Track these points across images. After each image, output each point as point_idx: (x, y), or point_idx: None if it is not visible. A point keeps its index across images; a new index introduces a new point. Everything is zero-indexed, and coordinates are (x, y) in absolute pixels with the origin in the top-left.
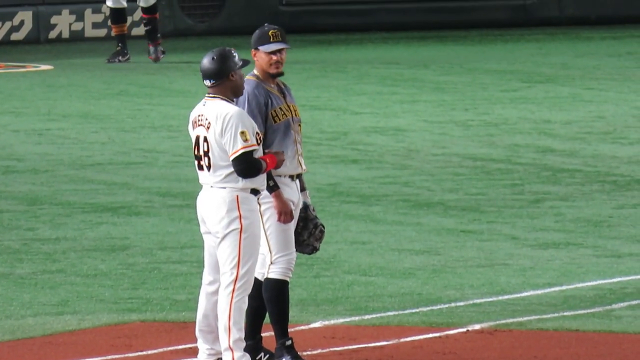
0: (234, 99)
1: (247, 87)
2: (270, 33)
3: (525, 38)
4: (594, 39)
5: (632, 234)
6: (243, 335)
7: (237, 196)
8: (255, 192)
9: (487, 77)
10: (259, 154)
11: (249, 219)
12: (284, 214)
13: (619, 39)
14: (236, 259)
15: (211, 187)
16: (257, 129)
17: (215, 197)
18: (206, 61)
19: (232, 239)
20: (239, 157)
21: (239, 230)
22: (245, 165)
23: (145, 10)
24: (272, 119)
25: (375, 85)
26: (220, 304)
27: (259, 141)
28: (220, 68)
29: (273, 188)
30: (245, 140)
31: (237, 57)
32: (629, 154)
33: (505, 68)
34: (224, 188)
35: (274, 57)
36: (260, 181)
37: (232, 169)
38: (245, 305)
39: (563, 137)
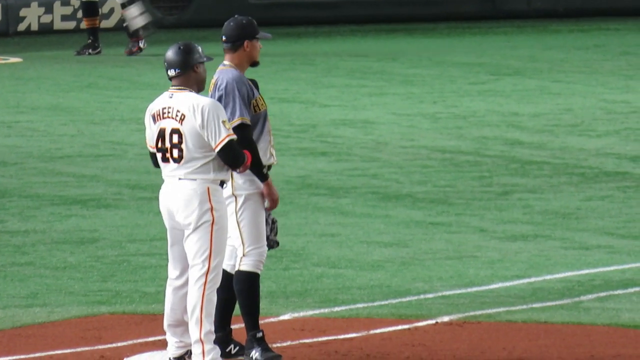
0: (198, 93)
1: (231, 75)
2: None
3: (494, 31)
4: (561, 31)
5: (600, 226)
6: (213, 328)
7: (208, 188)
8: (222, 183)
9: (456, 70)
10: None
11: (220, 211)
12: (276, 201)
13: (586, 32)
14: (207, 251)
15: (179, 179)
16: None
17: (186, 189)
18: (172, 51)
19: (204, 232)
20: (226, 145)
21: (211, 222)
22: (234, 154)
23: (122, 5)
24: (253, 108)
25: (343, 78)
26: (192, 297)
27: None
28: (186, 58)
29: (266, 176)
30: (228, 129)
31: (201, 52)
32: (596, 146)
33: (473, 61)
34: (195, 180)
35: (261, 45)
36: (228, 172)
37: (206, 160)
38: (215, 298)
39: (531, 129)
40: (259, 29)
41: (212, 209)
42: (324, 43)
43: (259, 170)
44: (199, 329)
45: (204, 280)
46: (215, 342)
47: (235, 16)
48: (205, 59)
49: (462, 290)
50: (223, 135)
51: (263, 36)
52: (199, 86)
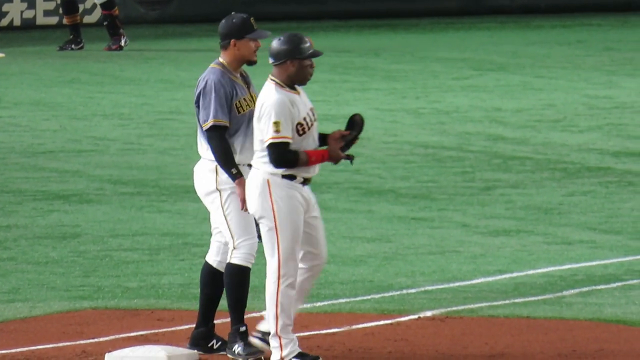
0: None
1: (213, 77)
2: (252, 21)
3: (476, 26)
4: (544, 27)
5: (582, 221)
6: (290, 321)
7: (268, 180)
8: (291, 177)
9: (438, 65)
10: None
11: (280, 205)
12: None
13: (568, 28)
14: (275, 245)
15: (249, 165)
16: (295, 120)
17: (251, 177)
18: (274, 41)
19: (269, 227)
20: (269, 146)
21: (273, 217)
22: (276, 156)
23: (101, 6)
24: (236, 109)
25: (326, 74)
26: (268, 292)
27: (301, 131)
28: (279, 51)
29: (236, 175)
30: (277, 131)
31: (305, 46)
32: (579, 142)
33: (456, 56)
34: (258, 169)
35: (258, 44)
36: (298, 169)
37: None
38: (293, 291)
39: (514, 125)
40: (249, 29)
41: (272, 202)
42: None
43: (228, 171)
44: (276, 324)
45: (277, 274)
46: (199, 336)
47: (232, 13)
48: (307, 54)
49: (444, 285)
50: (269, 135)
51: (257, 35)
52: (292, 80)
